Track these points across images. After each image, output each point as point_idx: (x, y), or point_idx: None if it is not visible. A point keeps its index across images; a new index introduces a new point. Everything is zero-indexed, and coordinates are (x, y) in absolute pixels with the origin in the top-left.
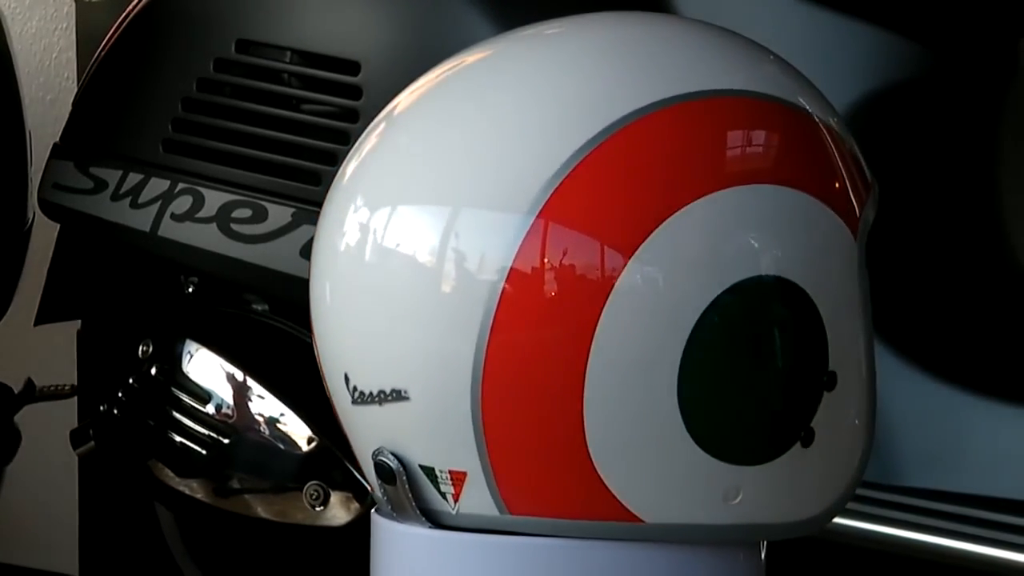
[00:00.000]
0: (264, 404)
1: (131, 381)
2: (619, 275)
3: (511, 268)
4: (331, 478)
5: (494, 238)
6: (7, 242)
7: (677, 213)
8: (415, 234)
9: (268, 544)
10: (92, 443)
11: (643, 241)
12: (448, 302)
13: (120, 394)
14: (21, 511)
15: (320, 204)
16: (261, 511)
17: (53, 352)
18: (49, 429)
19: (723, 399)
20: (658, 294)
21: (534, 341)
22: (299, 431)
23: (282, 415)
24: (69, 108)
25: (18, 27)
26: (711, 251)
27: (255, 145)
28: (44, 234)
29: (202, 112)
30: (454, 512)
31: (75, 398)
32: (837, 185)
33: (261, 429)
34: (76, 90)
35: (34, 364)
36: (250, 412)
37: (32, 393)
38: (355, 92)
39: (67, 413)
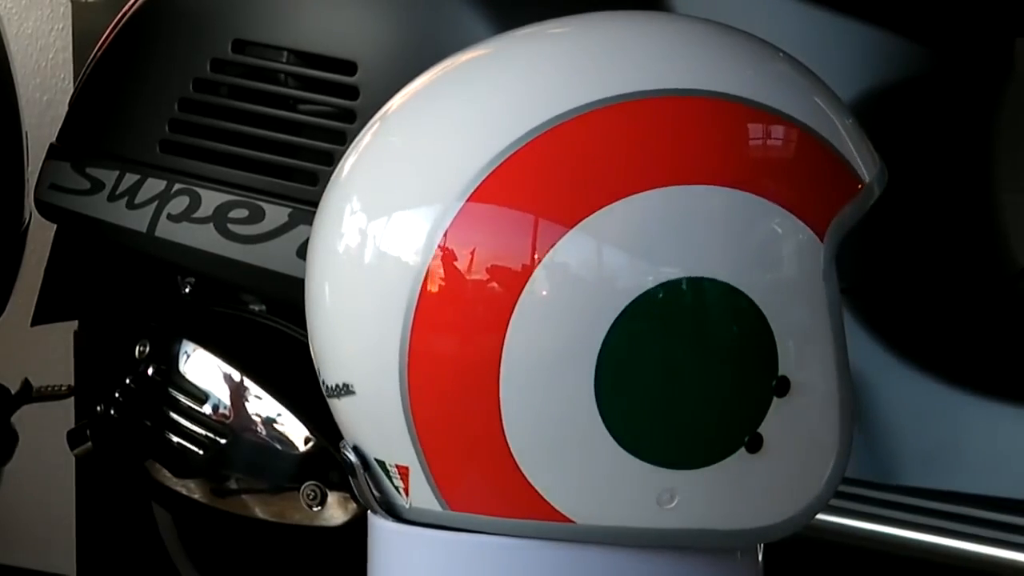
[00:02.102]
0: (261, 404)
1: (128, 381)
2: (534, 269)
3: (430, 262)
4: (328, 478)
5: (420, 230)
6: (4, 243)
7: (600, 211)
8: (370, 232)
9: (265, 544)
10: (89, 444)
11: (561, 237)
12: (379, 296)
13: (117, 394)
14: (19, 511)
15: (317, 204)
16: (258, 511)
17: (50, 352)
18: (46, 430)
19: (645, 401)
20: (574, 291)
21: (451, 335)
22: (296, 431)
23: (279, 415)
24: (65, 108)
25: (14, 28)
26: (633, 250)
27: (252, 145)
28: (41, 234)
29: (199, 112)
30: (408, 506)
31: (72, 398)
32: (797, 186)
33: (258, 429)
34: (72, 90)
35: (31, 364)
36: (247, 412)
37: (29, 393)
38: (352, 92)
39: (64, 413)
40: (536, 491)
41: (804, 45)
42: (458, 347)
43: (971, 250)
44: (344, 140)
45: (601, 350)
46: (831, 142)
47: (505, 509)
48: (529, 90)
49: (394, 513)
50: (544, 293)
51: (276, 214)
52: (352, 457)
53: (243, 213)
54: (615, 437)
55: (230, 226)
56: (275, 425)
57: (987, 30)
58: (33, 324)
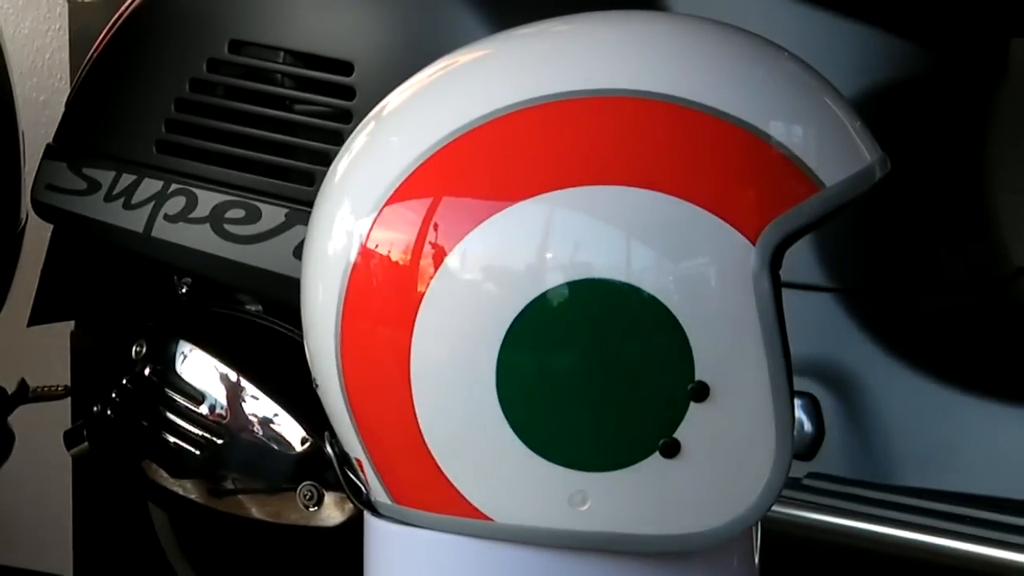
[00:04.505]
0: (258, 405)
1: (125, 382)
2: (437, 270)
3: (354, 260)
4: (325, 479)
5: (357, 230)
6: (1, 243)
7: (499, 213)
8: (355, 232)
9: (262, 544)
10: (86, 444)
11: (461, 239)
12: (324, 293)
13: (114, 395)
14: (15, 512)
15: (313, 204)
16: (255, 511)
17: (47, 353)
18: (43, 430)
19: (547, 402)
20: (474, 292)
21: (367, 334)
22: (293, 431)
23: (276, 415)
24: (62, 109)
25: (11, 28)
26: (533, 252)
27: (248, 145)
28: (38, 235)
29: (195, 112)
30: (372, 499)
31: (69, 399)
32: (722, 187)
33: (255, 430)
34: (69, 91)
35: (28, 365)
36: (244, 413)
37: (26, 394)
38: (348, 92)
39: (61, 414)
40: (456, 489)
41: (800, 45)
42: (373, 345)
43: (967, 250)
44: (340, 140)
45: (500, 352)
46: (780, 142)
47: (434, 505)
48: (465, 91)
49: (371, 506)
50: (445, 294)
51: (272, 214)
52: (329, 450)
53: (240, 213)
54: (521, 438)
55: (226, 226)
56: (272, 425)
57: (983, 31)
58: (30, 324)
